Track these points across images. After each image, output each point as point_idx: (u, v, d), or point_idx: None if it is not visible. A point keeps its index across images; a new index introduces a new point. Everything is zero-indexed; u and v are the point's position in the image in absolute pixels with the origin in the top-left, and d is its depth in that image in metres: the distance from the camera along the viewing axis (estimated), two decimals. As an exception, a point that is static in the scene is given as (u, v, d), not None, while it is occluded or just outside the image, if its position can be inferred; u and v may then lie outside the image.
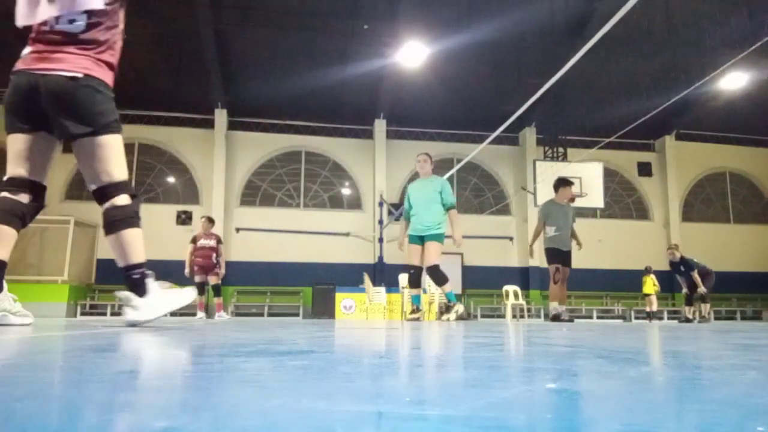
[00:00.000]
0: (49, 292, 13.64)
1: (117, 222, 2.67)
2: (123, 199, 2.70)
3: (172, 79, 15.62)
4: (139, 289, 2.68)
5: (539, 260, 17.45)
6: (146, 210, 16.32)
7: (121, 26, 2.82)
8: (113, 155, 2.70)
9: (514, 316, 12.80)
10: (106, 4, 2.70)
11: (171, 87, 15.83)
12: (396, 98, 16.31)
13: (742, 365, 1.13)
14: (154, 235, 15.90)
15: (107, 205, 2.70)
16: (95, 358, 1.23)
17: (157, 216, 16.17)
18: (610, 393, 0.73)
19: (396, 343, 2.08)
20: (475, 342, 1.99)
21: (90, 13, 2.68)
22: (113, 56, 2.77)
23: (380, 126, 17.28)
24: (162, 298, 2.72)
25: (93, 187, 2.73)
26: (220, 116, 16.56)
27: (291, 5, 13.68)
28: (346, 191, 17.50)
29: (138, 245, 2.69)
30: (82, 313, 14.69)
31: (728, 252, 18.07)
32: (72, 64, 2.61)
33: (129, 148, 16.70)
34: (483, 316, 16.66)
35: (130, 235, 2.66)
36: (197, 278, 9.70)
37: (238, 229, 16.33)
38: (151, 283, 2.71)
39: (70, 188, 16.09)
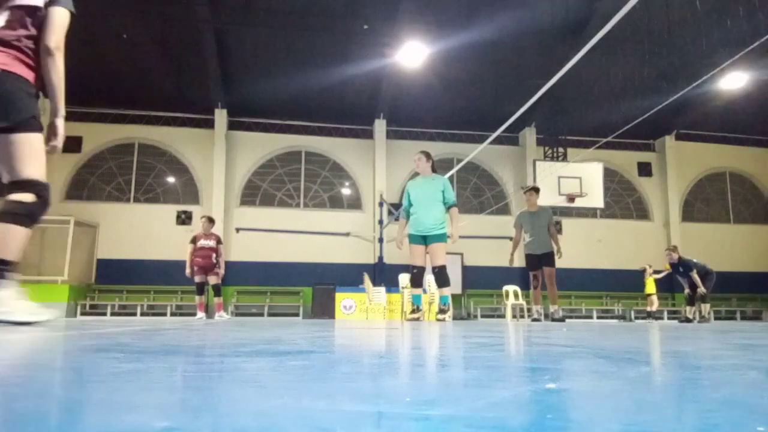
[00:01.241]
0: (49, 292, 13.62)
1: (4, 214, 2.62)
2: (25, 197, 2.64)
3: (172, 79, 15.61)
4: None
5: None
6: (146, 210, 16.43)
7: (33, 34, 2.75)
8: (27, 153, 2.66)
9: (514, 316, 12.79)
10: (45, 3, 2.69)
11: (171, 87, 15.83)
12: (396, 98, 16.29)
13: (742, 365, 1.13)
14: (154, 235, 15.91)
15: (9, 197, 2.65)
16: (95, 358, 1.22)
17: (157, 216, 16.16)
18: (610, 393, 0.73)
19: (396, 343, 2.08)
20: (475, 342, 1.99)
21: (13, 10, 2.66)
22: (33, 60, 2.71)
23: (380, 126, 17.26)
24: (19, 304, 2.63)
25: (6, 179, 2.70)
26: (220, 116, 16.55)
27: (291, 5, 13.67)
28: (346, 191, 17.49)
29: (12, 243, 2.60)
30: (82, 313, 14.68)
31: (728, 252, 18.04)
32: None
33: (129, 148, 16.80)
34: (483, 316, 16.65)
35: (10, 230, 2.59)
36: (197, 278, 9.64)
37: (238, 229, 16.32)
38: (7, 285, 2.61)
39: (70, 188, 16.09)
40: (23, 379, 0.83)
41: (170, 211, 16.36)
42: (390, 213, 16.33)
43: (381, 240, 16.46)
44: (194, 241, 9.65)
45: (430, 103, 16.55)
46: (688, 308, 10.93)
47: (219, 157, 16.43)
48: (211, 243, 9.62)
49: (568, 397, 0.66)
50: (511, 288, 12.76)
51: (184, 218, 16.39)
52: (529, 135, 17.72)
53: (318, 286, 14.67)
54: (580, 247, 17.55)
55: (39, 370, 0.99)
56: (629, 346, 1.83)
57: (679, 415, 0.57)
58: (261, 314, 15.57)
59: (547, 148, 16.81)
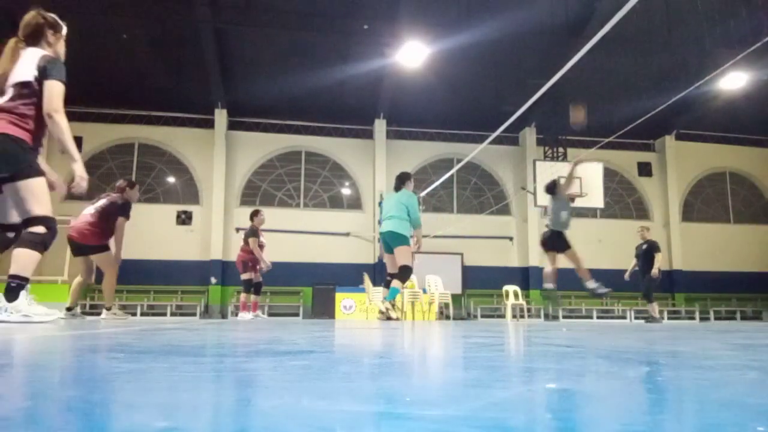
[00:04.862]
0: (49, 292, 13.61)
1: (22, 241, 3.31)
2: (37, 228, 3.29)
3: (172, 79, 15.61)
4: (10, 295, 3.27)
5: (539, 260, 17.47)
6: (146, 210, 16.40)
7: (39, 102, 3.27)
8: (30, 196, 3.24)
9: (514, 316, 12.80)
10: (35, 78, 3.23)
11: (171, 87, 15.82)
12: (396, 98, 16.29)
13: (742, 365, 1.13)
14: (154, 235, 15.91)
15: (26, 229, 3.29)
16: (95, 358, 1.22)
17: (157, 216, 16.16)
18: (610, 393, 0.73)
19: (396, 343, 2.08)
20: (475, 342, 1.99)
21: (14, 86, 3.24)
22: (26, 122, 3.23)
23: (380, 126, 17.26)
24: (26, 307, 3.31)
25: (20, 218, 3.32)
26: (220, 116, 16.55)
27: (291, 5, 13.67)
28: (346, 191, 17.49)
29: (25, 263, 3.27)
30: (82, 313, 14.66)
31: (728, 252, 18.04)
32: None
33: (129, 148, 16.80)
34: (483, 316, 16.65)
35: (25, 253, 3.26)
36: (248, 276, 8.82)
37: (237, 229, 16.31)
38: (22, 296, 3.29)
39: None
40: (23, 379, 0.83)
41: (170, 211, 16.36)
42: (390, 213, 16.29)
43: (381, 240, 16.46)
44: (257, 234, 8.77)
45: (430, 103, 16.55)
46: (652, 306, 10.56)
47: (219, 157, 16.42)
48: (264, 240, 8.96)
49: (568, 397, 0.66)
50: (511, 288, 12.76)
51: (184, 218, 16.38)
52: (529, 135, 17.71)
53: (318, 286, 14.67)
54: (580, 247, 17.49)
55: (39, 370, 0.99)
56: (629, 346, 1.83)
57: (679, 415, 0.57)
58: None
59: (547, 148, 16.81)
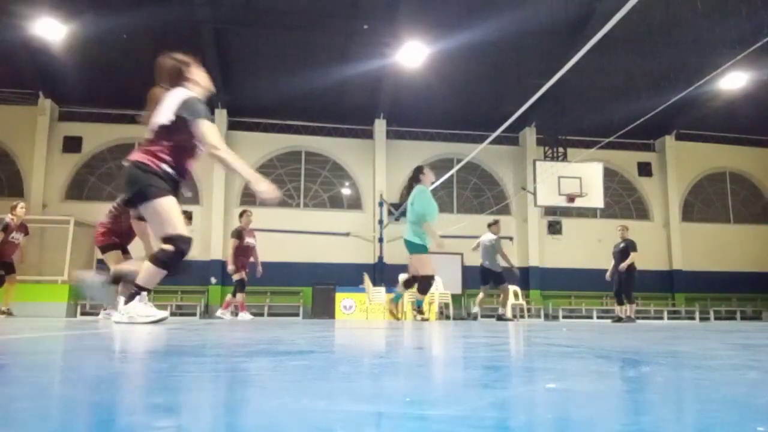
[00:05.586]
0: (49, 292, 13.62)
1: (151, 255, 3.70)
2: (167, 247, 3.62)
3: (172, 79, 15.59)
4: (127, 300, 3.64)
5: (538, 260, 17.48)
6: (146, 210, 16.39)
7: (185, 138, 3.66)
8: (159, 216, 3.60)
9: (514, 316, 12.79)
10: (171, 122, 3.59)
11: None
12: (396, 98, 16.28)
13: (742, 365, 1.13)
14: (154, 235, 15.91)
15: (159, 246, 3.65)
16: (95, 358, 1.23)
17: (157, 216, 16.16)
18: (610, 393, 0.73)
19: (396, 343, 2.08)
20: (476, 342, 1.99)
21: (159, 127, 3.66)
22: (161, 151, 3.61)
23: (380, 126, 17.26)
24: (139, 310, 3.59)
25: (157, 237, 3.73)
26: (220, 116, 16.54)
27: (291, 5, 13.67)
28: (346, 191, 17.48)
29: (146, 275, 3.60)
30: (82, 313, 14.67)
31: (728, 252, 18.02)
32: (133, 156, 3.61)
33: (129, 148, 16.71)
34: (483, 316, 16.63)
35: (148, 267, 3.62)
36: (239, 275, 8.87)
37: (238, 229, 16.33)
38: (138, 300, 3.59)
39: (70, 188, 16.08)
40: (23, 379, 0.83)
41: (170, 211, 16.35)
42: (390, 213, 16.31)
43: (381, 240, 16.44)
44: (240, 236, 8.68)
45: (430, 103, 16.54)
46: (618, 307, 10.66)
47: (219, 157, 16.41)
48: (255, 242, 8.93)
49: (568, 397, 0.66)
50: (511, 288, 12.75)
51: (184, 218, 16.38)
52: (529, 135, 17.70)
53: (318, 286, 14.66)
54: (580, 247, 17.53)
55: (39, 370, 0.99)
56: (629, 346, 1.83)
57: (679, 415, 0.57)
58: (261, 314, 15.56)
59: (547, 148, 16.79)
